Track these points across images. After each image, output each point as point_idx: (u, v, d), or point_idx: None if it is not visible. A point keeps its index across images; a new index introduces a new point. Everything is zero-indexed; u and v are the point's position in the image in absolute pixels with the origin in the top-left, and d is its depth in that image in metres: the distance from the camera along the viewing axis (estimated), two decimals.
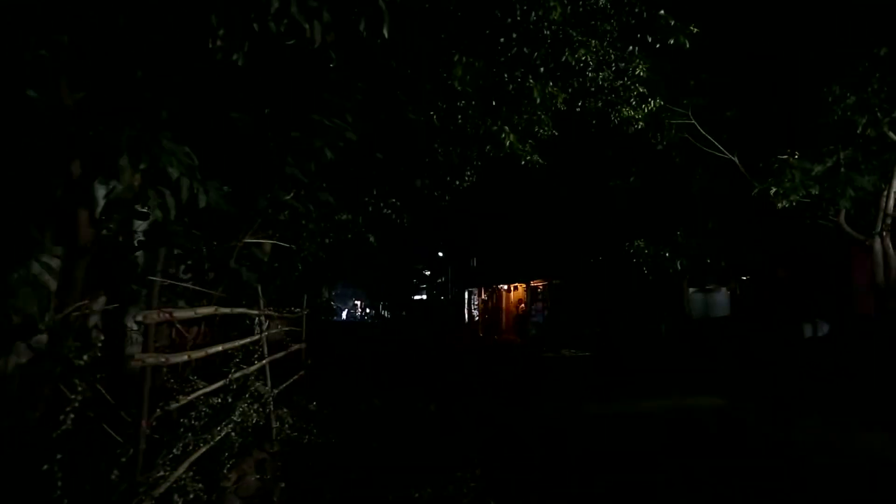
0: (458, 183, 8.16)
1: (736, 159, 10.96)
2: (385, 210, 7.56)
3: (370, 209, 7.50)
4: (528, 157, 6.68)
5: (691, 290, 15.57)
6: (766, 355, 13.38)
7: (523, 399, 9.04)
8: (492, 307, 27.41)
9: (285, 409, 5.65)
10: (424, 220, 32.43)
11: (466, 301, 31.85)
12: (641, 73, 7.02)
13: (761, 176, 9.83)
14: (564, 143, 16.43)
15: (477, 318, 29.22)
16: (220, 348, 3.48)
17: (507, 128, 4.00)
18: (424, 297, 49.19)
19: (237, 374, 3.91)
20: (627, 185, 13.87)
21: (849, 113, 8.36)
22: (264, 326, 5.02)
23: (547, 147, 18.21)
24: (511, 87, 4.12)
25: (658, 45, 5.23)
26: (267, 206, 3.97)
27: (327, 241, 6.90)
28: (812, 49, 8.99)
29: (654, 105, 7.72)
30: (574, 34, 4.41)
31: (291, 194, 3.96)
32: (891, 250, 8.96)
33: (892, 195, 8.81)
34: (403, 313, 46.09)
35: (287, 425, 5.26)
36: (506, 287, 25.51)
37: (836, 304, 13.87)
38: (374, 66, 3.42)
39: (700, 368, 12.43)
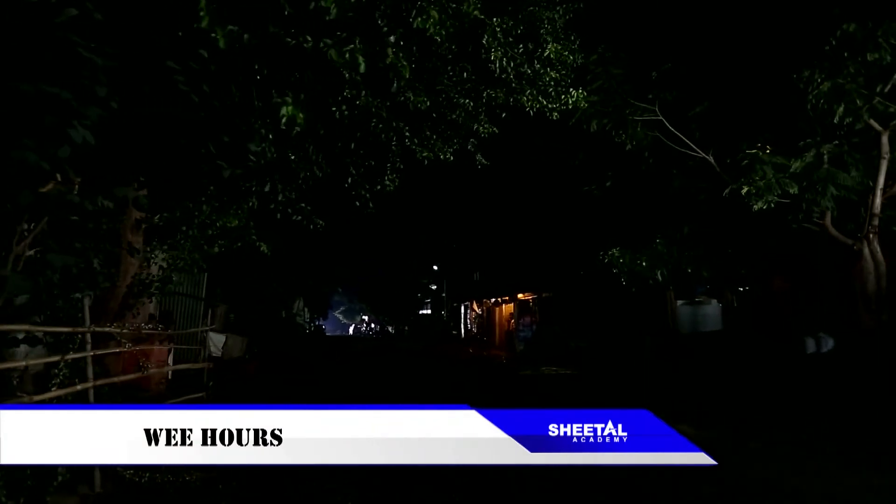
0: (378, 187, 7.47)
1: (711, 158, 9.98)
2: (295, 216, 6.88)
3: (279, 216, 6.84)
4: (425, 154, 5.98)
5: (679, 302, 14.42)
6: (760, 374, 12.18)
7: None
8: (485, 321, 26.48)
9: None
10: (420, 233, 31.94)
11: (463, 315, 30.98)
12: (552, 55, 6.22)
13: (737, 175, 8.86)
14: (538, 146, 15.67)
15: (472, 333, 28.29)
16: None
17: (288, 98, 3.26)
18: (429, 311, 48.68)
19: None
20: (602, 190, 12.94)
21: (822, 101, 7.37)
22: (88, 347, 4.33)
23: (519, 151, 17.35)
24: (307, 47, 3.38)
25: None
26: (37, 202, 3.31)
27: (217, 249, 6.24)
28: (781, 30, 8.07)
29: (579, 95, 6.87)
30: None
31: (51, 185, 3.28)
32: (879, 255, 7.85)
33: (879, 193, 7.73)
34: (406, 328, 45.52)
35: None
36: (498, 300, 24.59)
37: (840, 316, 12.61)
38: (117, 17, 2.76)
39: (680, 389, 11.33)
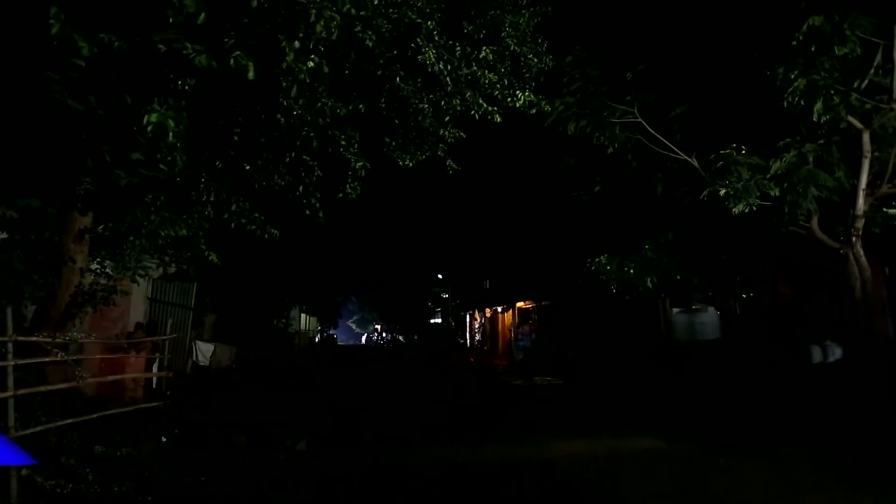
0: (340, 195, 7.42)
1: (694, 161, 9.66)
2: (249, 226, 6.88)
3: (233, 225, 6.84)
4: (360, 164, 5.93)
5: (675, 310, 13.97)
6: (757, 385, 11.68)
7: (427, 439, 7.92)
8: (488, 330, 26.19)
9: (70, 459, 4.89)
10: (427, 242, 31.84)
11: (468, 324, 30.73)
12: (489, 56, 6.08)
13: (717, 177, 8.54)
14: (530, 151, 15.46)
15: (477, 341, 28.00)
16: None
17: (156, 106, 3.17)
18: (440, 320, 48.52)
19: None
20: (591, 195, 12.66)
21: (797, 99, 7.04)
22: (9, 356, 4.33)
23: (518, 158, 17.07)
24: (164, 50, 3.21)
25: None
26: None
27: (167, 259, 6.25)
28: (755, 25, 7.77)
29: (525, 97, 6.70)
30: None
31: None
32: (863, 259, 7.42)
33: (862, 194, 7.33)
34: (415, 337, 45.40)
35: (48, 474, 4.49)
36: (500, 309, 24.30)
37: (848, 323, 12.02)
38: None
39: (666, 401, 10.96)
